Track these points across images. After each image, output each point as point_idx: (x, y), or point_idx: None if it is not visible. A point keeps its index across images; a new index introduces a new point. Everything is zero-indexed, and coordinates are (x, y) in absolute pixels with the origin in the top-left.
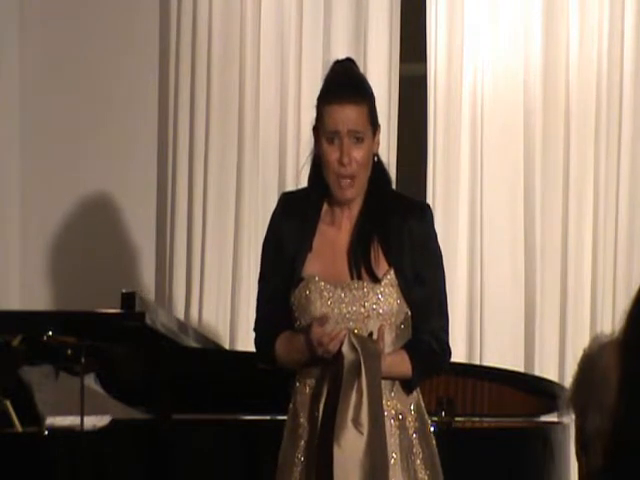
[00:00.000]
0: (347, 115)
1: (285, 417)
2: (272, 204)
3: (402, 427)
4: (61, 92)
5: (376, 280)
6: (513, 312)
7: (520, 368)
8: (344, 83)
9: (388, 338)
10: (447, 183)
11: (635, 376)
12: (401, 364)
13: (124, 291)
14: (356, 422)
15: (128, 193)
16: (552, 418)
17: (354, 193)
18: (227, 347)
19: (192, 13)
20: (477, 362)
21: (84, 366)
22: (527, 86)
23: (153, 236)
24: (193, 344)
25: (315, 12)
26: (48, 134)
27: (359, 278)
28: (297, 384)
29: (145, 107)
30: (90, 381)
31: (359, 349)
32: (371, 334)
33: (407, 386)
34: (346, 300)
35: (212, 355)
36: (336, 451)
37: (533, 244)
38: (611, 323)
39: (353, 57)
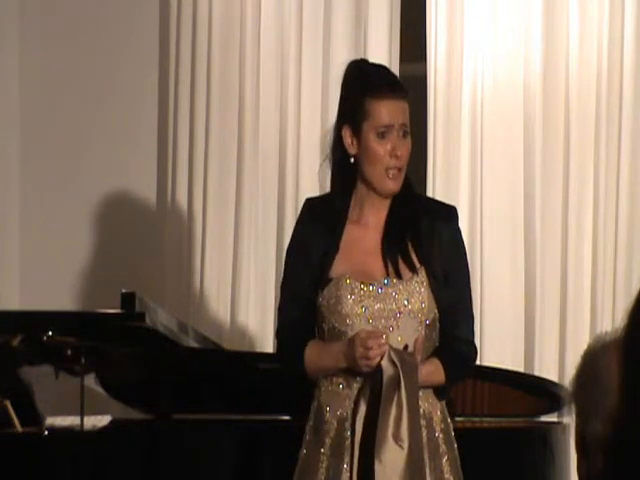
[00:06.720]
0: (399, 109)
1: (285, 417)
2: (272, 203)
3: (429, 426)
4: (61, 92)
5: (415, 271)
6: (513, 312)
7: (520, 368)
8: (391, 79)
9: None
10: (447, 183)
11: (636, 376)
12: (436, 373)
13: (124, 291)
14: (396, 437)
15: (128, 193)
16: (552, 418)
17: (399, 185)
18: (227, 347)
19: (192, 13)
20: (477, 362)
21: (84, 366)
22: (527, 86)
23: (153, 236)
24: (193, 344)
25: (315, 12)
26: (47, 134)
27: (396, 273)
28: (322, 380)
29: (145, 107)
30: (90, 381)
31: (398, 364)
32: (406, 347)
33: (440, 393)
34: (377, 298)
35: (212, 355)
36: (377, 467)
37: (533, 244)
38: (611, 323)
39: (353, 57)
